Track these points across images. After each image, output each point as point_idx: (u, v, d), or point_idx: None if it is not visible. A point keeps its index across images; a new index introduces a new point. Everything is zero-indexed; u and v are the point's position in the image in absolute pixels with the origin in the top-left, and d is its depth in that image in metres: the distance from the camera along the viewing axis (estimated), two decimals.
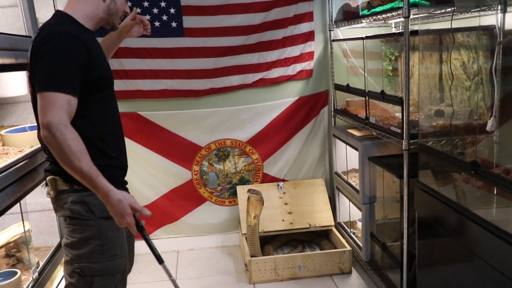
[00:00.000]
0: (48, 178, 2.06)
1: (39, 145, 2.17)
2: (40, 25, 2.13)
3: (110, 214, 1.89)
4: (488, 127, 2.24)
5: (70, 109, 1.83)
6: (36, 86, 1.83)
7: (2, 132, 2.67)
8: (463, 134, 2.52)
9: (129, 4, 2.40)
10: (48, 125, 1.75)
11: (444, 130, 2.61)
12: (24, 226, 2.67)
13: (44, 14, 3.09)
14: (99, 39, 2.28)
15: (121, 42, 2.66)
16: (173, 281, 2.13)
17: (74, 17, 2.03)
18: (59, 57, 1.83)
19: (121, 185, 2.21)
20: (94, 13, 2.08)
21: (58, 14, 2.06)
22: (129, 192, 2.25)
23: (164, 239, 4.37)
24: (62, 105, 1.80)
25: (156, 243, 4.39)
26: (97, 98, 2.04)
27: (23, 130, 2.73)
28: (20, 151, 2.45)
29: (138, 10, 3.88)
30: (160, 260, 2.07)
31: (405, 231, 2.94)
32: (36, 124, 2.12)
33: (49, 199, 2.11)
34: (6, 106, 3.04)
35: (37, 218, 3.07)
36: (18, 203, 2.36)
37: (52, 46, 1.85)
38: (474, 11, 2.61)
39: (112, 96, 2.18)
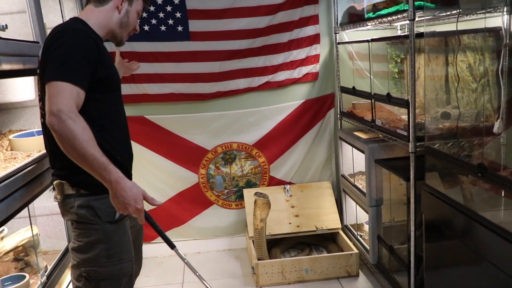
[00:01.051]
0: (55, 182, 2.08)
1: None
2: (49, 30, 2.15)
3: (116, 201, 1.85)
4: (495, 129, 2.23)
5: (78, 101, 1.84)
6: (45, 78, 1.84)
7: (11, 136, 2.69)
8: (470, 136, 2.51)
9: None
10: (59, 112, 1.74)
11: (451, 133, 2.61)
12: (32, 230, 2.68)
13: (51, 19, 3.11)
14: None
15: None
16: (188, 264, 2.24)
17: (87, 22, 2.07)
18: (70, 50, 1.86)
19: None
20: (106, 22, 2.12)
21: (71, 18, 2.11)
22: None
23: None
24: (72, 95, 1.80)
25: (163, 246, 4.41)
26: (103, 98, 2.05)
27: (31, 134, 2.75)
28: (28, 156, 2.46)
29: (145, 15, 3.90)
30: (171, 245, 2.18)
31: (412, 233, 2.93)
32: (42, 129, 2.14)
33: (57, 203, 2.13)
34: (14, 111, 3.06)
35: (45, 222, 3.09)
36: (26, 207, 2.37)
37: (65, 40, 1.88)
38: (480, 13, 2.61)
39: (119, 100, 2.20)
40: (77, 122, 1.77)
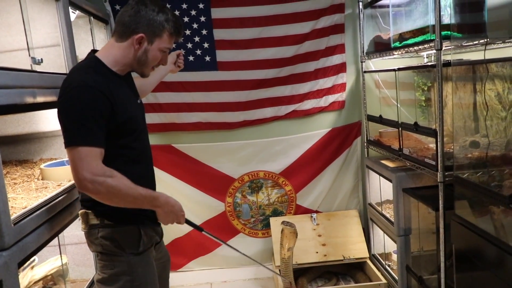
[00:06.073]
0: (80, 212, 2.11)
1: None
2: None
3: (169, 216, 2.09)
4: None
5: (102, 158, 1.91)
6: (65, 141, 1.87)
7: (42, 166, 2.74)
8: (500, 165, 2.47)
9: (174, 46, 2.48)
10: (94, 176, 1.82)
11: (480, 162, 2.57)
12: (61, 260, 2.71)
13: (83, 51, 3.17)
14: None
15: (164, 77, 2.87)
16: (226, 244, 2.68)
17: (104, 61, 2.07)
18: (83, 111, 1.86)
19: (153, 221, 2.22)
20: (123, 59, 2.09)
21: (89, 58, 2.10)
22: (162, 230, 2.35)
23: (197, 271, 4.38)
24: (97, 155, 1.87)
25: (189, 275, 4.45)
26: (125, 142, 2.07)
27: (62, 164, 2.79)
28: (58, 185, 2.50)
29: (173, 46, 3.96)
30: (199, 229, 2.40)
31: (442, 264, 2.88)
32: None
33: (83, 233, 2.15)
34: (45, 140, 3.12)
35: (74, 251, 3.11)
36: (56, 237, 2.40)
37: (76, 100, 1.87)
38: (508, 42, 2.60)
39: (142, 136, 2.20)
40: (115, 177, 1.88)
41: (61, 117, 1.90)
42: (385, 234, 3.88)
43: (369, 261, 4.08)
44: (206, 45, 4.04)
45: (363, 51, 4.10)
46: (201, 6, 3.99)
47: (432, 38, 2.76)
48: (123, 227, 2.07)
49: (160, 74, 2.79)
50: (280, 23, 4.06)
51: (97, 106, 1.89)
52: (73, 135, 1.85)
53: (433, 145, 2.93)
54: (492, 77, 2.54)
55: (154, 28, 2.08)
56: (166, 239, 4.17)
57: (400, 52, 3.30)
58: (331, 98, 4.25)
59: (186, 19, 3.99)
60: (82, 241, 3.09)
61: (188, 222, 2.26)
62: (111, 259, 2.06)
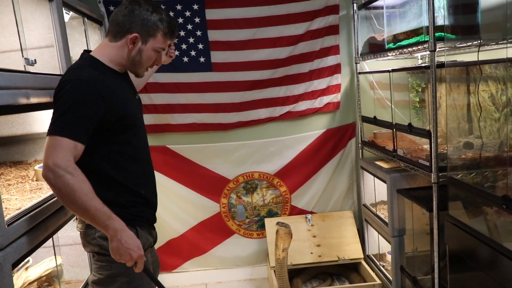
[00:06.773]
0: None
1: None
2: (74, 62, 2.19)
3: (120, 248, 1.88)
4: None
5: (76, 153, 1.83)
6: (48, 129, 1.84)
7: (36, 167, 2.73)
8: (494, 166, 2.48)
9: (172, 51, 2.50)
10: (55, 166, 1.74)
11: (474, 163, 2.58)
12: (56, 261, 2.70)
13: (77, 52, 3.16)
14: None
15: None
16: None
17: (100, 59, 2.06)
18: (71, 103, 1.84)
19: (149, 223, 2.22)
20: (118, 59, 2.09)
21: (84, 57, 2.09)
22: (156, 234, 2.29)
23: (192, 271, 4.37)
24: (68, 148, 1.79)
25: (184, 275, 4.45)
26: (122, 138, 2.05)
27: None
28: None
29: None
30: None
31: (436, 264, 2.89)
32: None
33: (79, 233, 2.14)
34: (40, 141, 3.11)
35: (68, 252, 3.11)
36: (51, 238, 2.40)
37: (66, 92, 1.86)
38: (501, 43, 2.61)
39: (139, 134, 2.17)
40: (75, 175, 1.77)
41: (53, 110, 1.89)
42: (379, 235, 3.89)
43: (363, 262, 4.09)
44: (200, 46, 4.04)
45: (358, 52, 4.11)
46: (195, 7, 3.99)
47: (426, 40, 2.77)
48: None
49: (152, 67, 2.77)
50: (274, 24, 4.06)
51: (88, 102, 1.88)
52: (55, 125, 1.83)
53: (427, 146, 2.94)
54: (486, 78, 2.55)
55: (148, 28, 2.07)
56: (161, 240, 4.17)
57: (394, 54, 3.31)
58: (325, 99, 4.26)
59: (180, 20, 3.99)
60: (77, 242, 3.08)
61: (147, 271, 2.04)
62: (107, 259, 2.04)
